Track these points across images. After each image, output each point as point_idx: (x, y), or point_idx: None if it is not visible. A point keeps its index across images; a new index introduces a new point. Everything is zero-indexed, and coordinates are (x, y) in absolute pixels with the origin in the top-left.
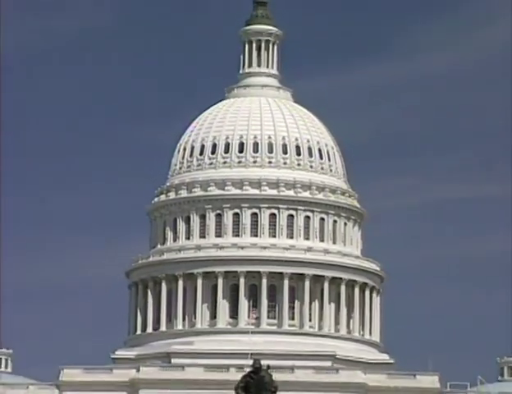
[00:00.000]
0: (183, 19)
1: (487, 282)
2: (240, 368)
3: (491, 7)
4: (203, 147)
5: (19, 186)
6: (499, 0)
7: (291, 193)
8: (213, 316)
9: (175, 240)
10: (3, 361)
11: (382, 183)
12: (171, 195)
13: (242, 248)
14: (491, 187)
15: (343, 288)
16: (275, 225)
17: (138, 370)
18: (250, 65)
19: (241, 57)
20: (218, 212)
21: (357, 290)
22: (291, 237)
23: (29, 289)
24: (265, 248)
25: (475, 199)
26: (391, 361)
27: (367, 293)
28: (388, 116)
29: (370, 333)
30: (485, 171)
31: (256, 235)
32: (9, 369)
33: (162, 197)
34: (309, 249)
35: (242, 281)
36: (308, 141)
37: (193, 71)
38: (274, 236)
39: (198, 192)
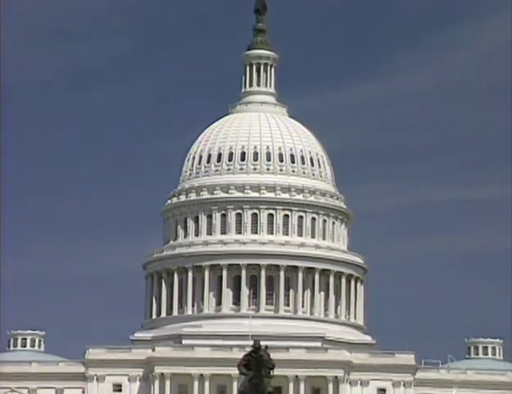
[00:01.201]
0: (192, 44)
1: (457, 274)
2: (241, 348)
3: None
4: (209, 156)
5: (54, 190)
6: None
7: (286, 196)
8: (219, 303)
9: (185, 237)
10: (37, 341)
11: (366, 187)
12: (182, 198)
13: (244, 243)
14: (464, 191)
15: (331, 278)
16: (272, 224)
17: (153, 350)
18: (251, 84)
19: (243, 77)
20: (223, 212)
21: (343, 281)
22: (286, 234)
23: (60, 279)
24: (263, 243)
25: (447, 201)
26: (373, 342)
27: (352, 283)
28: (372, 129)
29: (355, 317)
30: (458, 177)
31: (256, 233)
32: (42, 349)
33: (174, 199)
34: (302, 245)
35: (243, 272)
36: (301, 151)
37: (200, 90)
38: (271, 233)
39: (205, 195)
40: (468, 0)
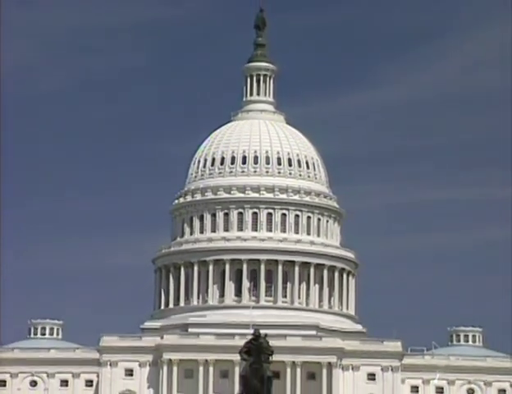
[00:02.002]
0: (198, 57)
1: (441, 269)
2: (243, 336)
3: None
4: (213, 159)
5: (74, 192)
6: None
7: (284, 196)
8: (222, 294)
9: (191, 234)
10: (55, 330)
11: (357, 188)
12: (188, 198)
13: (245, 240)
14: (447, 191)
15: (325, 272)
16: (271, 222)
17: (162, 338)
18: (251, 94)
19: (244, 87)
20: (226, 211)
21: (336, 274)
22: (284, 231)
23: (77, 273)
24: (263, 240)
25: (432, 201)
26: (364, 330)
27: (344, 276)
28: (362, 134)
29: (347, 308)
30: (442, 179)
31: (256, 230)
32: (60, 336)
33: (181, 200)
34: (298, 241)
35: (245, 266)
36: (298, 155)
37: (205, 99)
38: (270, 231)
39: (209, 196)
40: (453, 14)
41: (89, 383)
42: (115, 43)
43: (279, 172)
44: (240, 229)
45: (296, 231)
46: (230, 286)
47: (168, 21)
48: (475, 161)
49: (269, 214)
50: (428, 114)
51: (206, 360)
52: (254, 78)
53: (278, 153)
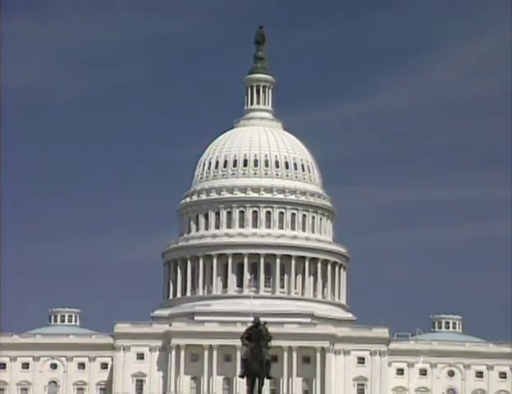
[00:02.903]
0: (202, 69)
1: (424, 262)
2: (244, 323)
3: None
4: (217, 163)
5: (94, 194)
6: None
7: (281, 196)
8: (225, 285)
9: (197, 231)
10: (73, 318)
11: (348, 189)
12: (194, 198)
13: (246, 236)
14: (431, 192)
15: (319, 265)
16: (269, 219)
17: (170, 325)
18: (252, 103)
19: (245, 97)
20: (228, 210)
21: (329, 267)
22: (281, 228)
23: (93, 266)
24: (262, 236)
25: (417, 201)
26: (354, 318)
27: (336, 269)
28: (353, 140)
29: (339, 298)
30: (426, 180)
31: (256, 227)
32: (77, 323)
33: (188, 199)
34: (294, 237)
35: (246, 260)
36: (294, 158)
37: (209, 107)
38: (269, 228)
39: (214, 196)
40: (437, 29)
41: (104, 366)
42: (125, 55)
43: (277, 174)
44: (242, 226)
45: (292, 228)
46: (232, 278)
47: (175, 36)
48: (455, 164)
49: (268, 213)
50: (413, 121)
51: (210, 345)
52: (254, 88)
53: (276, 156)
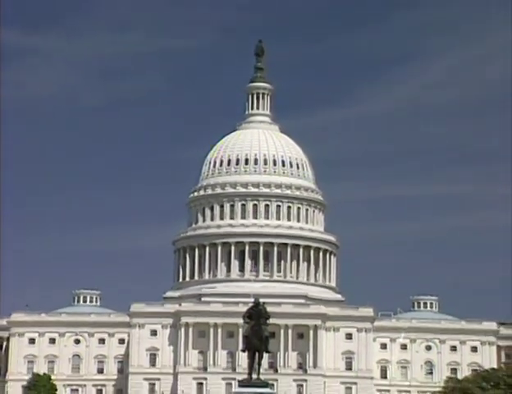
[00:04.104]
0: (209, 79)
1: (404, 249)
2: (245, 303)
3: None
4: (222, 161)
5: (114, 190)
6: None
7: (279, 191)
8: (228, 270)
9: (203, 221)
10: (94, 298)
11: (338, 185)
12: (201, 193)
13: (247, 226)
14: (416, 188)
15: (312, 252)
16: (268, 211)
17: (180, 305)
18: (252, 108)
19: (246, 103)
20: (231, 203)
21: (321, 254)
22: (278, 219)
23: (113, 253)
24: (262, 226)
25: (402, 196)
26: (343, 299)
27: (327, 255)
28: (342, 141)
29: (329, 281)
30: (407, 180)
31: (256, 218)
32: (98, 304)
33: (196, 194)
34: (290, 227)
35: (247, 248)
36: (290, 157)
37: (214, 112)
38: (267, 219)
39: (218, 190)
40: (417, 45)
41: (121, 341)
42: (140, 67)
43: (274, 172)
44: (243, 217)
45: (288, 219)
46: (235, 264)
47: (184, 50)
48: (433, 164)
49: (266, 205)
50: (397, 125)
51: (216, 323)
52: (255, 95)
53: (274, 156)
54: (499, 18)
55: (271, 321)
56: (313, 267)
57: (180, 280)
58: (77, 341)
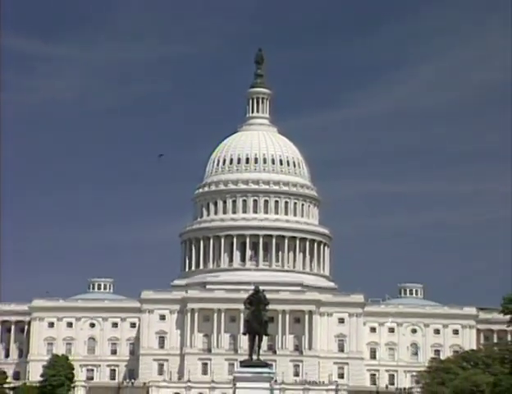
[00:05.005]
0: (212, 85)
1: (391, 240)
2: (246, 291)
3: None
4: (224, 160)
5: (126, 188)
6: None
7: (277, 187)
8: (230, 260)
9: (208, 216)
10: (108, 286)
11: (331, 182)
12: (206, 189)
13: (247, 220)
14: (403, 184)
15: (307, 244)
16: (267, 206)
17: (186, 292)
18: (252, 112)
19: (247, 107)
20: (233, 199)
21: (315, 245)
22: (277, 213)
23: (124, 245)
24: (261, 220)
25: (386, 193)
26: (336, 287)
27: (321, 247)
28: (336, 141)
29: (323, 270)
30: (394, 178)
31: (256, 213)
32: (111, 290)
33: (201, 190)
34: (287, 221)
35: (247, 240)
36: (287, 157)
37: (217, 115)
38: (266, 213)
39: (221, 187)
40: (405, 52)
41: (132, 325)
42: (149, 73)
43: (273, 170)
44: (244, 212)
45: (286, 213)
46: (236, 254)
47: (190, 57)
48: (419, 164)
49: (266, 201)
50: (386, 127)
51: (219, 309)
52: (255, 100)
53: (272, 155)
54: (499, 19)
55: (269, 307)
56: (308, 257)
57: (187, 269)
58: (92, 325)
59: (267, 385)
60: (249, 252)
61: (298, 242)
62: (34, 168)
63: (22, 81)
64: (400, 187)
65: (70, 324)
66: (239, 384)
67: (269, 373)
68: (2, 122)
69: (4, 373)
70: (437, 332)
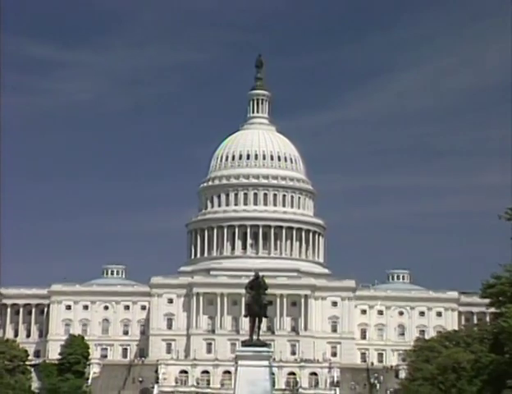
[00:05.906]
0: (215, 87)
1: (379, 230)
2: (247, 276)
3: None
4: (227, 157)
5: (136, 183)
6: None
7: (275, 182)
8: (233, 249)
9: (212, 208)
10: (120, 271)
11: (325, 176)
12: (210, 183)
13: (248, 212)
14: (385, 180)
15: (303, 233)
16: (266, 199)
17: (192, 278)
18: (253, 112)
19: (248, 107)
20: (235, 192)
21: (311, 235)
22: (275, 206)
23: (138, 233)
24: (261, 212)
25: (376, 187)
26: (329, 273)
27: (316, 236)
28: (330, 139)
29: (318, 257)
30: (385, 173)
31: (256, 205)
32: (123, 276)
33: (205, 184)
34: (285, 213)
35: (248, 230)
36: (284, 153)
37: (220, 115)
38: (266, 205)
39: (224, 181)
40: (395, 58)
41: (143, 308)
42: (158, 77)
43: (272, 165)
44: (245, 204)
45: (283, 205)
46: (238, 243)
47: (196, 62)
48: (405, 161)
49: (265, 194)
50: (377, 127)
51: (222, 293)
52: (255, 101)
53: (271, 152)
54: (486, 25)
55: (268, 291)
56: (304, 245)
57: (192, 257)
58: (106, 308)
59: (266, 363)
60: (249, 241)
61: (294, 232)
62: (52, 162)
63: (37, 85)
64: (389, 180)
65: (85, 307)
66: (240, 362)
67: (268, 351)
68: (16, 124)
69: (26, 351)
70: (422, 314)
